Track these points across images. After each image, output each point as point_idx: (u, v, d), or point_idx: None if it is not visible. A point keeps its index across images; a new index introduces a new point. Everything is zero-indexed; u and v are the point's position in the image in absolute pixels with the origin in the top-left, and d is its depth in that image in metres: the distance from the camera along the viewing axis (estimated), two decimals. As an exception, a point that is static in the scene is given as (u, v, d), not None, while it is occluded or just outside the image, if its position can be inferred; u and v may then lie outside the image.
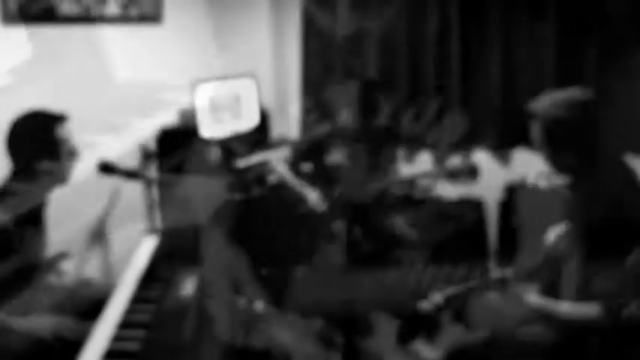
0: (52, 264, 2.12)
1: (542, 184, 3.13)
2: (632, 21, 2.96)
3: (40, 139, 1.92)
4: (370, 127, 2.99)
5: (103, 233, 3.00)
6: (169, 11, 3.45)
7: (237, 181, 3.29)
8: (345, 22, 3.64)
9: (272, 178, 3.46)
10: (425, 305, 1.89)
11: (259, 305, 3.08)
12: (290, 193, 3.08)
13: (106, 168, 2.26)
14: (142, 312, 1.73)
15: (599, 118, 1.73)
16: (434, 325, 2.71)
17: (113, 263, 3.06)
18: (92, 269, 2.95)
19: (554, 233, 1.96)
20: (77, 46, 2.89)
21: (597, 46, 3.06)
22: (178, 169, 3.12)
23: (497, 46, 3.30)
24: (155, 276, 1.96)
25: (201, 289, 1.84)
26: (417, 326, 2.74)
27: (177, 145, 3.31)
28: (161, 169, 3.14)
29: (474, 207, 3.40)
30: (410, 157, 3.71)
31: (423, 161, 3.69)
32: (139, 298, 1.81)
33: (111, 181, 2.46)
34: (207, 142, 3.33)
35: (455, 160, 3.51)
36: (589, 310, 1.61)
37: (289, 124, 4.05)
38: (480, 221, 3.39)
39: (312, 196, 2.95)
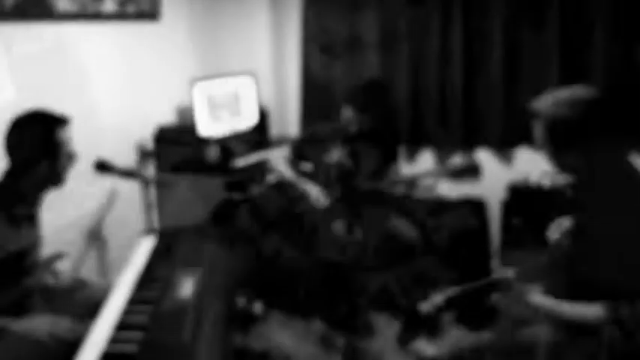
0: (48, 265, 2.12)
1: (546, 183, 3.12)
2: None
3: (40, 140, 1.90)
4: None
5: (100, 233, 2.98)
6: (167, 8, 3.42)
7: (235, 180, 3.26)
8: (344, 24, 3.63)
9: (271, 178, 3.44)
10: (425, 306, 1.87)
11: (258, 306, 3.06)
12: (290, 192, 3.07)
13: (103, 167, 2.25)
14: (139, 313, 1.71)
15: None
16: (434, 325, 2.69)
17: (110, 263, 3.03)
18: (89, 270, 2.94)
19: (557, 229, 1.94)
20: (73, 43, 2.87)
21: (603, 42, 3.04)
22: (176, 169, 3.09)
23: (500, 42, 3.28)
24: (153, 277, 1.94)
25: (200, 291, 1.81)
26: (417, 327, 2.72)
27: (174, 144, 3.29)
28: (159, 168, 3.12)
29: (476, 207, 3.38)
30: (411, 156, 3.70)
31: (425, 160, 3.67)
32: (136, 299, 1.79)
33: (108, 181, 2.45)
34: (205, 141, 3.31)
35: (457, 160, 3.49)
36: (593, 310, 1.59)
37: (289, 123, 4.02)
38: (483, 221, 3.37)
39: (314, 192, 2.93)
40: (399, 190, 3.21)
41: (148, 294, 1.82)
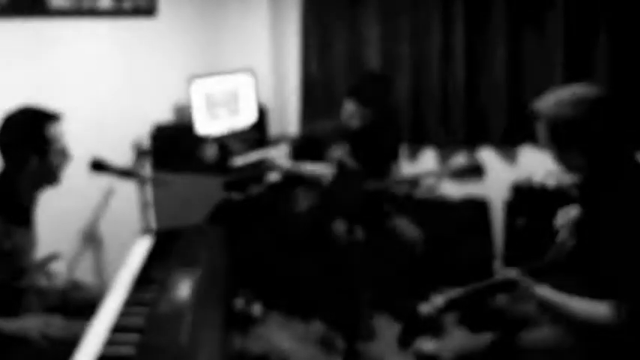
0: (43, 266, 2.11)
1: (551, 183, 3.09)
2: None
3: (28, 135, 1.87)
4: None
5: (96, 233, 2.95)
6: (164, 4, 3.39)
7: (234, 179, 3.24)
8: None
9: (271, 177, 3.41)
10: (426, 308, 1.84)
11: (257, 308, 3.04)
12: (289, 193, 3.04)
13: (99, 166, 2.23)
14: (135, 315, 1.68)
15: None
16: (436, 327, 2.66)
17: (106, 264, 3.00)
18: (84, 270, 2.90)
19: (563, 218, 1.92)
20: (69, 40, 2.83)
21: (608, 39, 3.01)
22: (173, 168, 3.06)
23: (503, 39, 3.25)
24: (149, 278, 1.92)
25: (197, 292, 1.78)
26: (418, 329, 2.69)
27: (172, 142, 3.26)
28: (156, 167, 3.08)
29: (479, 207, 3.35)
30: (413, 156, 3.67)
31: (427, 160, 3.64)
32: (132, 301, 1.77)
33: (104, 180, 2.42)
34: (203, 140, 3.28)
35: (460, 159, 3.46)
36: (601, 308, 1.57)
37: (288, 121, 3.99)
38: (486, 221, 3.34)
39: (326, 172, 2.85)
40: (402, 189, 3.18)
41: (145, 295, 1.80)
